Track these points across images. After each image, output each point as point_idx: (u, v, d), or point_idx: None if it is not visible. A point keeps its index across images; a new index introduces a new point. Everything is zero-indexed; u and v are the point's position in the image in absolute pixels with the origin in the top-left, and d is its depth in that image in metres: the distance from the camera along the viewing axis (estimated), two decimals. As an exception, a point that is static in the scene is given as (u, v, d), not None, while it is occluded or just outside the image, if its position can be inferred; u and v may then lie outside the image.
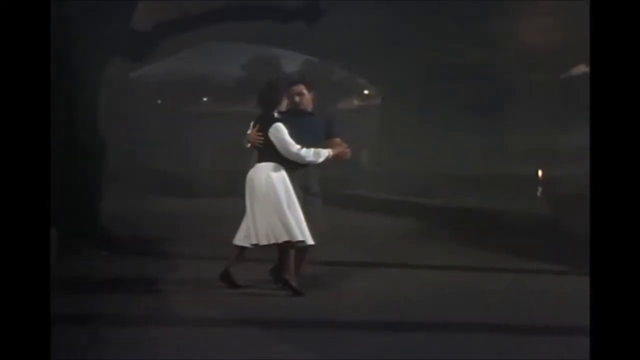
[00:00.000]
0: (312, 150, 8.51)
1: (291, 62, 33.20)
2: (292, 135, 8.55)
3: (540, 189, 17.86)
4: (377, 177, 24.01)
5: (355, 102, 38.11)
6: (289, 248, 8.38)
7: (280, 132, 8.50)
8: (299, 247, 8.46)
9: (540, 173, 18.90)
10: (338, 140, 8.87)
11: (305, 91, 9.04)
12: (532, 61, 24.02)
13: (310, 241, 8.42)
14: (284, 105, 8.91)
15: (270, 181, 8.43)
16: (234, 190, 19.05)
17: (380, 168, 25.68)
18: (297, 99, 9.00)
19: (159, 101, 32.99)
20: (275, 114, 8.68)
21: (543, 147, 21.48)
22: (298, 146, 8.47)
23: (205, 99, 36.34)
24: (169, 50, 20.77)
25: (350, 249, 11.77)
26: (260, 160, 8.60)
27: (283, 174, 8.50)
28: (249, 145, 8.72)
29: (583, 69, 29.45)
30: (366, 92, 36.53)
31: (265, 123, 8.59)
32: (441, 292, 8.67)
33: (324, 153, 8.60)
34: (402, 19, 22.95)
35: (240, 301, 8.14)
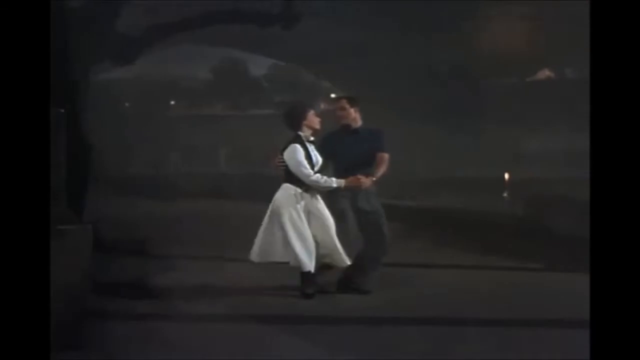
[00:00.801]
0: (323, 177, 8.27)
1: (258, 65, 33.26)
2: (333, 153, 8.42)
3: (506, 191, 18.09)
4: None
5: (322, 106, 38.22)
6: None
7: (293, 153, 8.27)
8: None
9: (507, 176, 19.16)
10: (386, 155, 8.56)
11: (347, 106, 8.70)
12: (500, 64, 24.27)
13: (307, 268, 8.25)
14: (310, 125, 8.53)
15: (276, 202, 8.33)
16: (207, 193, 19.27)
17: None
18: (339, 114, 8.72)
19: (126, 104, 32.92)
20: (302, 134, 8.41)
21: (511, 149, 21.76)
22: (310, 171, 8.25)
23: (172, 102, 36.32)
24: (136, 53, 20.77)
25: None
26: (283, 180, 8.43)
27: (291, 195, 8.28)
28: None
29: (547, 72, 29.88)
30: (333, 95, 36.63)
31: (287, 144, 8.44)
32: (422, 289, 8.80)
33: (334, 182, 8.37)
34: (371, 20, 23.11)
35: (236, 301, 8.20)
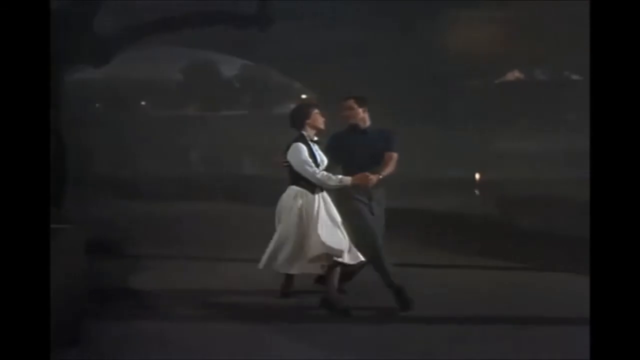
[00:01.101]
0: (327, 175, 8.08)
1: (229, 66, 33.28)
2: (341, 153, 8.17)
3: (477, 191, 18.25)
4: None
5: (292, 106, 38.22)
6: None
7: (297, 152, 8.06)
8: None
9: (477, 176, 19.33)
10: (395, 155, 8.35)
11: (355, 105, 8.45)
12: (470, 66, 24.47)
13: (292, 271, 8.16)
14: (314, 124, 8.29)
15: (277, 207, 8.19)
16: (178, 194, 19.27)
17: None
18: (346, 113, 8.44)
19: (97, 105, 32.84)
20: (305, 134, 8.19)
21: (481, 150, 21.91)
22: (315, 169, 8.05)
23: (143, 102, 36.28)
24: (110, 54, 20.75)
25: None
26: (289, 182, 8.23)
27: (292, 199, 8.13)
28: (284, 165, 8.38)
29: (517, 74, 30.16)
30: (303, 96, 36.73)
31: (290, 143, 8.25)
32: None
33: (342, 180, 8.19)
34: (341, 22, 23.23)
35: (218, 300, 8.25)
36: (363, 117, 8.39)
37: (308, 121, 8.12)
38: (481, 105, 24.27)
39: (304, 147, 7.93)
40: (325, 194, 8.03)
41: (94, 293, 7.71)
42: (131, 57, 28.26)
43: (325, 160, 8.01)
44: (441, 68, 24.31)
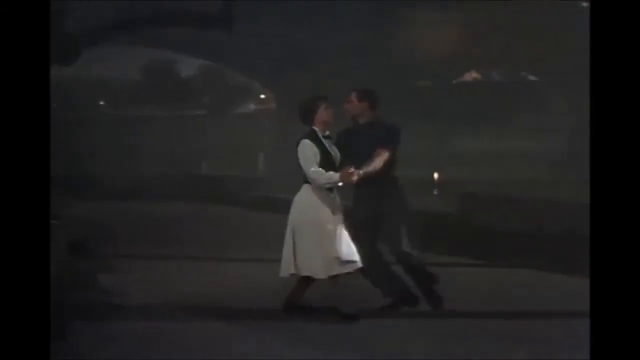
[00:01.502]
0: (323, 173, 7.87)
1: (188, 66, 33.20)
2: (342, 148, 7.78)
3: (435, 190, 18.41)
4: (274, 179, 24.27)
5: (252, 106, 38.29)
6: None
7: (300, 148, 7.88)
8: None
9: (436, 175, 19.49)
10: (383, 152, 7.88)
11: (354, 99, 8.13)
12: (427, 67, 24.63)
13: (284, 274, 7.99)
14: (322, 119, 7.98)
15: (293, 205, 8.00)
16: (134, 194, 19.24)
17: (276, 169, 26.01)
18: (345, 107, 8.19)
19: (54, 105, 32.51)
20: (317, 129, 7.97)
21: (439, 149, 22.10)
22: (310, 166, 7.81)
23: (102, 102, 36.05)
24: (74, 54, 20.68)
25: (258, 246, 12.01)
26: (303, 180, 7.99)
27: (303, 196, 7.94)
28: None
29: (474, 75, 30.40)
30: (262, 96, 36.74)
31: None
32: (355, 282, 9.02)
33: (327, 177, 7.96)
34: (296, 23, 23.31)
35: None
36: (362, 111, 8.06)
37: (316, 116, 7.88)
38: (439, 106, 24.44)
39: (307, 143, 7.63)
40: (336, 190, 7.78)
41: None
42: (89, 57, 28.10)
43: (339, 156, 7.73)
44: (399, 68, 24.45)
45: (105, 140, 29.38)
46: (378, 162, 7.74)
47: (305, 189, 7.74)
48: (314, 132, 7.81)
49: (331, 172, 7.55)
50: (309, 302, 7.93)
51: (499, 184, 17.37)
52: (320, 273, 7.52)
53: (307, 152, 7.71)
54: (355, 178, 7.51)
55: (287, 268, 7.60)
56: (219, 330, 7.13)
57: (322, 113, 7.82)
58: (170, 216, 15.65)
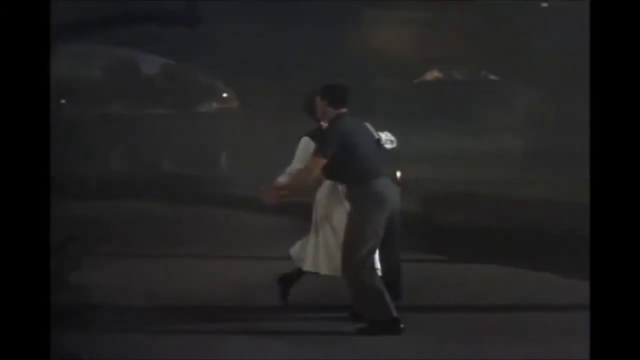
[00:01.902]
0: (286, 174, 7.94)
1: (150, 64, 32.99)
2: (355, 144, 7.70)
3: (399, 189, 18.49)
4: (236, 178, 24.27)
5: (215, 105, 38.14)
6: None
7: (299, 144, 7.94)
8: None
9: (398, 174, 19.56)
10: (314, 159, 7.74)
11: (318, 100, 8.04)
12: (388, 66, 24.71)
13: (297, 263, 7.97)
14: (322, 114, 7.87)
15: (315, 199, 8.02)
16: (98, 193, 19.13)
17: (239, 169, 25.98)
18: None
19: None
20: (323, 124, 7.96)
21: (400, 148, 22.15)
22: (294, 165, 7.83)
23: (63, 101, 35.68)
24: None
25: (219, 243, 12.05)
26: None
27: (321, 193, 8.00)
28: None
29: (435, 74, 30.51)
30: (225, 95, 36.58)
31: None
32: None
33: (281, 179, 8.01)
34: (260, 22, 23.30)
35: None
36: (322, 113, 7.93)
37: (317, 113, 7.83)
38: (400, 105, 24.51)
39: (305, 140, 7.64)
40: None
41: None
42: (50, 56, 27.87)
43: None
44: (360, 67, 24.50)
45: (65, 140, 29.11)
46: (296, 177, 7.71)
47: (325, 185, 7.76)
48: (319, 128, 7.80)
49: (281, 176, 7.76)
50: (315, 300, 8.02)
51: (460, 182, 17.53)
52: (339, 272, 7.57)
53: (300, 149, 7.80)
54: (272, 198, 7.59)
55: (311, 264, 7.64)
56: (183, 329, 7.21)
57: (320, 107, 7.88)
58: (129, 214, 15.63)
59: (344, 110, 7.80)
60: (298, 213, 15.79)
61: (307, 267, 7.84)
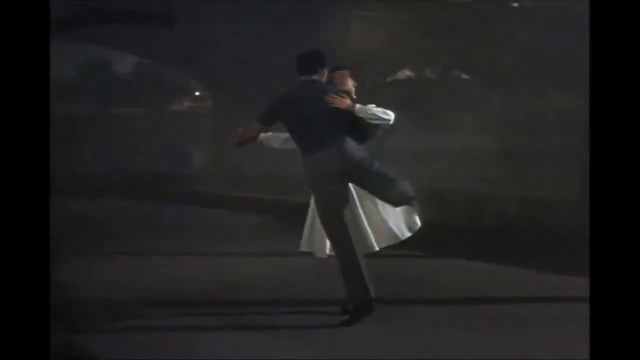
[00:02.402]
0: None
1: (123, 63, 32.99)
2: (293, 114, 7.45)
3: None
4: (212, 175, 24.35)
5: (187, 104, 38.16)
6: None
7: None
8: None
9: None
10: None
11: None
12: (361, 65, 24.82)
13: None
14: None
15: None
16: (69, 192, 19.14)
17: (214, 167, 26.09)
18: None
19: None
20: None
21: (371, 146, 22.24)
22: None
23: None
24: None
25: (193, 239, 12.15)
26: None
27: None
28: None
29: (407, 73, 30.70)
30: (197, 93, 36.63)
31: None
32: (292, 273, 9.21)
33: None
34: (232, 22, 23.39)
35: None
36: None
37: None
38: (373, 103, 24.64)
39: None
40: None
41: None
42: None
43: None
44: (330, 65, 24.61)
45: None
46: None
47: None
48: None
49: None
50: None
51: (431, 180, 17.68)
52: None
53: None
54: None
55: (306, 245, 7.62)
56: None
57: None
58: (104, 213, 15.69)
59: (303, 78, 7.60)
60: (275, 211, 16.05)
61: (303, 247, 7.70)
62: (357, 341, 6.64)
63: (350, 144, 7.21)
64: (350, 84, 7.66)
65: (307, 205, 7.67)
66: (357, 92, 7.63)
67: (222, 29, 23.71)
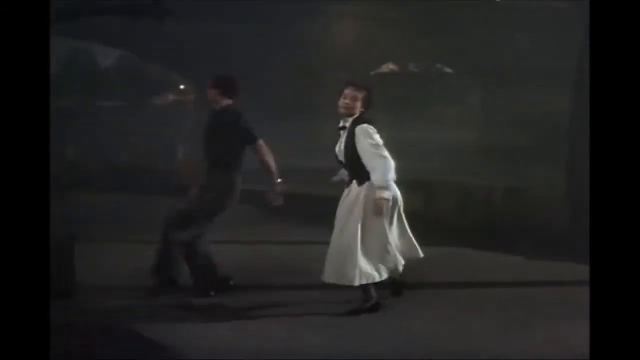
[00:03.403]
0: None
1: (107, 57, 32.84)
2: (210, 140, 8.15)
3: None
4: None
5: (171, 98, 38.02)
6: None
7: None
8: None
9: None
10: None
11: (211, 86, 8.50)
12: (344, 59, 24.89)
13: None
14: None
15: None
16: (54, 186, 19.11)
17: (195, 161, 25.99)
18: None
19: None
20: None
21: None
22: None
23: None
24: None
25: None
26: None
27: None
28: None
29: (391, 66, 30.74)
30: (182, 87, 36.49)
31: None
32: (283, 263, 9.32)
33: None
34: (216, 16, 23.39)
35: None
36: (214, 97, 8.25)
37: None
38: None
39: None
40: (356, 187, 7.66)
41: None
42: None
43: (342, 151, 7.58)
44: (314, 60, 24.67)
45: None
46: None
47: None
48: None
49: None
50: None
51: (415, 172, 17.77)
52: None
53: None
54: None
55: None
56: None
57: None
58: (89, 205, 15.71)
59: (230, 102, 7.96)
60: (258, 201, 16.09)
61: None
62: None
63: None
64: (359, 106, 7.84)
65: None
66: (366, 101, 8.03)
67: (208, 25, 23.71)
